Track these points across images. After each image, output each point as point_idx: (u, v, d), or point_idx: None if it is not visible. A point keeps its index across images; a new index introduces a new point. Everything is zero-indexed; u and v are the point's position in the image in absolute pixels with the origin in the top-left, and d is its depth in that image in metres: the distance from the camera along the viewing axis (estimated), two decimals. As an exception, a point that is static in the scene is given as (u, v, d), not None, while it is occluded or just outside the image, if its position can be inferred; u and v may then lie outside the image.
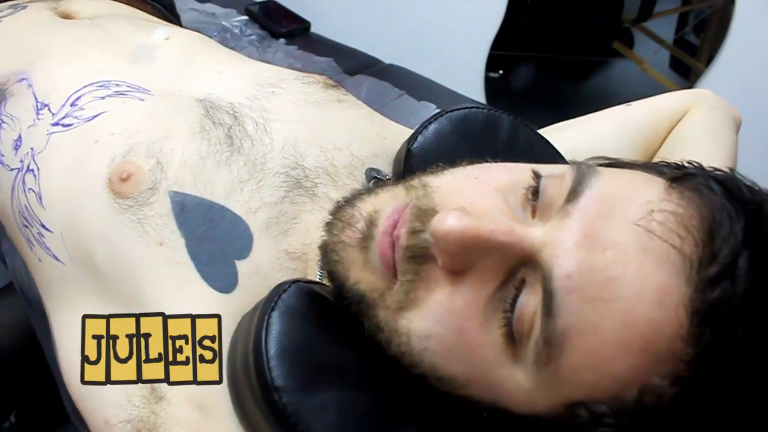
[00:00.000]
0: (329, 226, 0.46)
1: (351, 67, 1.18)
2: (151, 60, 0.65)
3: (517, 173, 0.43)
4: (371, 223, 0.43)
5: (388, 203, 0.44)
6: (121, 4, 0.85)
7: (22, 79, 0.64)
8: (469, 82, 1.68)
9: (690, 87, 1.70)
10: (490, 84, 1.77)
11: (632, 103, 0.72)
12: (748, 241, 0.35)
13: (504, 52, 1.79)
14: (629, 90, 2.10)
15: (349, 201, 0.47)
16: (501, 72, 2.10)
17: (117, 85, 0.61)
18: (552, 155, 0.60)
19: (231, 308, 0.49)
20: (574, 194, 0.39)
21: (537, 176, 0.42)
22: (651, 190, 0.39)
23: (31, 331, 0.64)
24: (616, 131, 0.69)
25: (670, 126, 0.69)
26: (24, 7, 0.77)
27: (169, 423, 0.47)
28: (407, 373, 0.42)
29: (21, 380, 0.75)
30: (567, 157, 0.62)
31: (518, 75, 2.20)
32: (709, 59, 1.64)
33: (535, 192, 0.41)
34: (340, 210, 0.47)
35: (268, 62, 1.14)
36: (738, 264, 0.34)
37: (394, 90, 1.06)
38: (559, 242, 0.37)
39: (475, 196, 0.42)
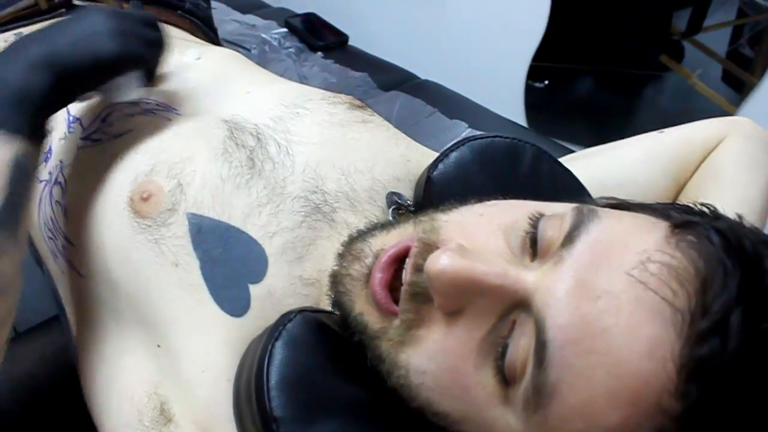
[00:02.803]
0: (340, 258, 0.47)
1: (386, 82, 1.18)
2: (183, 80, 0.67)
3: (520, 212, 0.43)
4: (377, 259, 0.44)
5: (395, 240, 0.45)
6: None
7: None
8: (509, 93, 1.67)
9: (742, 101, 1.65)
10: (533, 95, 1.75)
11: (665, 130, 0.70)
12: (743, 296, 0.34)
13: (548, 64, 1.77)
14: (678, 105, 2.05)
15: (362, 235, 0.48)
16: (546, 82, 2.07)
17: (147, 103, 0.62)
18: (575, 188, 0.59)
19: (241, 332, 0.50)
20: (569, 239, 0.38)
21: (535, 220, 0.41)
22: (649, 237, 0.38)
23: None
24: (647, 160, 0.67)
25: (704, 155, 0.67)
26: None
27: None
28: (406, 405, 0.42)
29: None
30: (596, 186, 0.62)
31: (563, 86, 2.17)
32: (764, 72, 1.58)
33: (534, 237, 0.41)
34: (352, 243, 0.47)
35: (304, 76, 1.16)
36: (730, 320, 0.33)
37: (427, 107, 1.06)
38: (552, 289, 0.36)
39: (476, 233, 0.42)
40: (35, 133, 0.50)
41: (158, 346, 0.52)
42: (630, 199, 0.46)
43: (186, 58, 0.71)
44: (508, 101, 1.69)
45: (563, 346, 0.35)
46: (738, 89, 1.95)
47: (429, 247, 0.42)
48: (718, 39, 2.03)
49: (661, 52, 1.97)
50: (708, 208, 0.43)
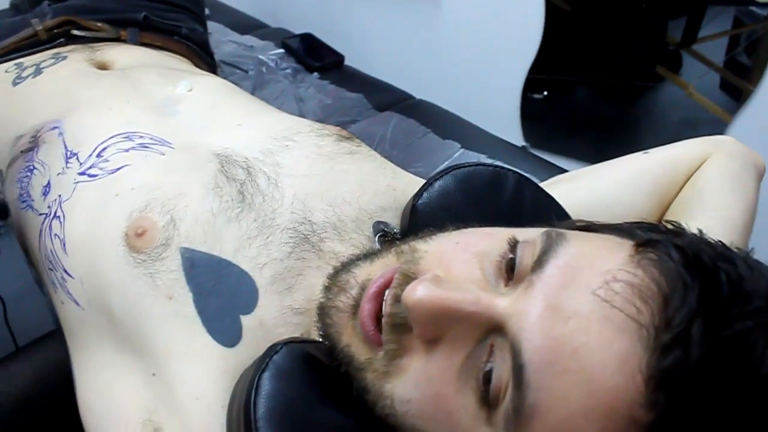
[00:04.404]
0: (326, 290, 0.49)
1: (381, 102, 1.19)
2: (175, 113, 0.69)
3: (495, 239, 0.44)
4: (363, 290, 0.45)
5: (380, 271, 0.46)
6: (155, 51, 0.89)
7: (54, 127, 0.68)
8: (505, 109, 1.68)
9: (739, 109, 1.65)
10: (532, 106, 1.77)
11: (649, 150, 0.71)
12: (702, 308, 0.35)
13: (546, 77, 1.78)
14: (676, 114, 2.05)
15: (347, 266, 0.49)
16: (545, 93, 2.09)
17: (141, 137, 0.64)
18: (557, 213, 0.60)
19: (234, 362, 0.51)
20: (539, 264, 0.40)
21: (513, 246, 0.43)
22: (614, 257, 0.39)
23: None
24: (631, 181, 0.68)
25: (687, 175, 0.68)
26: (64, 57, 0.81)
27: None
28: None
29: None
30: (582, 209, 0.63)
31: (561, 98, 2.18)
32: (760, 80, 1.59)
33: (511, 262, 0.42)
34: (338, 274, 0.49)
35: (300, 97, 1.18)
36: (691, 331, 0.35)
37: (420, 128, 1.07)
38: (524, 313, 0.38)
39: (453, 262, 0.44)
40: None
41: (153, 374, 0.53)
42: (599, 221, 0.47)
43: (178, 90, 0.72)
44: (504, 117, 1.70)
45: (539, 368, 0.36)
46: (736, 97, 1.96)
47: (408, 279, 0.43)
48: (715, 48, 2.04)
49: (657, 62, 1.98)
50: (672, 224, 0.45)
